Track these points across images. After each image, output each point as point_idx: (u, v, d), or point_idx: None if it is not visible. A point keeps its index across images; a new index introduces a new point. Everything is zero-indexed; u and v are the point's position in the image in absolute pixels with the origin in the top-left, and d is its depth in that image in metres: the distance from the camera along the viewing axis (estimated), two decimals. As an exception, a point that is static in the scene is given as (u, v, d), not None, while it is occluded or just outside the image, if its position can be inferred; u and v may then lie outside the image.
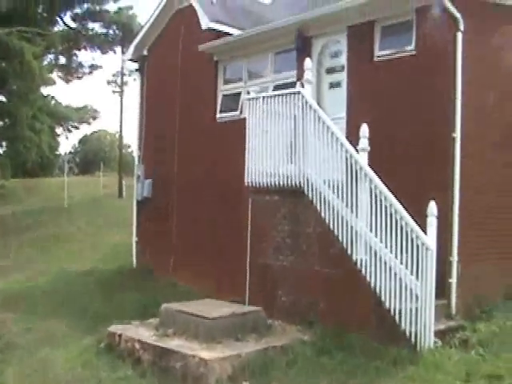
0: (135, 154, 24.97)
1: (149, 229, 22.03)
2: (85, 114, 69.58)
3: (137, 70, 24.45)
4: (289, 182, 13.31)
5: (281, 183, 13.51)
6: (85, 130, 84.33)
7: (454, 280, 13.11)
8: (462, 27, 13.30)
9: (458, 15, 13.26)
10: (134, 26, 43.93)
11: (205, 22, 19.64)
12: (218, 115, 19.48)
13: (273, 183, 13.71)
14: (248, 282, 14.59)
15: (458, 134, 13.21)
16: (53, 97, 64.51)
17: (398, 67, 14.48)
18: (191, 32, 20.35)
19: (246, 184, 14.38)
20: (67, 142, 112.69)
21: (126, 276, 21.34)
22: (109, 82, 56.11)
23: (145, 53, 23.04)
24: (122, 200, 40.12)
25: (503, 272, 14.15)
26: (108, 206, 37.93)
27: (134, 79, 34.07)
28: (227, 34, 19.49)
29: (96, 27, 47.70)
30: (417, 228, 11.30)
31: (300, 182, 13.04)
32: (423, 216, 11.47)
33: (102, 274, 22.12)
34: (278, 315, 13.16)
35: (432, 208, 11.46)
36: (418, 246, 11.29)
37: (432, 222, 11.45)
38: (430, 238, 11.35)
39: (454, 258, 13.13)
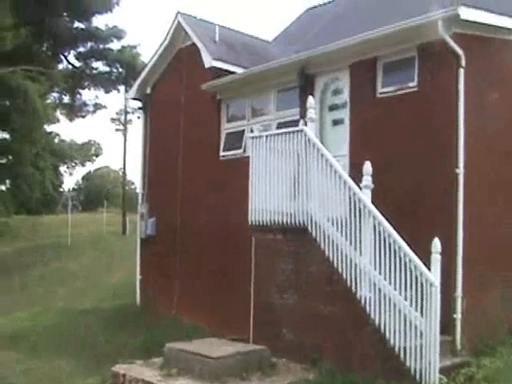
0: (139, 191, 25.01)
1: (153, 267, 22.01)
2: (88, 151, 69.84)
3: (140, 108, 24.57)
4: (292, 220, 13.31)
5: (284, 221, 13.51)
6: (88, 166, 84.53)
7: (458, 316, 13.01)
8: (463, 63, 13.36)
9: (460, 51, 13.32)
10: (137, 64, 44.17)
11: (208, 61, 19.76)
12: (222, 153, 19.53)
13: (276, 221, 13.72)
14: (252, 319, 14.57)
15: (461, 170, 13.21)
16: (57, 134, 64.81)
17: (401, 104, 14.54)
18: (194, 70, 20.49)
19: (250, 222, 14.38)
20: (71, 179, 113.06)
21: (130, 314, 21.30)
22: (112, 120, 56.32)
23: (148, 91, 23.20)
24: (126, 237, 40.13)
25: (507, 307, 14.08)
26: (112, 244, 37.93)
27: (138, 117, 34.13)
28: (230, 72, 19.58)
29: (99, 66, 48.04)
30: (421, 265, 11.27)
31: (303, 220, 13.05)
32: (427, 252, 11.44)
33: (106, 312, 22.08)
34: (283, 353, 13.11)
35: (436, 245, 11.43)
36: (422, 283, 11.24)
37: (436, 259, 11.41)
38: (435, 275, 11.30)
39: (459, 293, 13.05)
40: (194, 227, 19.96)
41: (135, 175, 48.69)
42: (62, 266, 32.81)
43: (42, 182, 61.34)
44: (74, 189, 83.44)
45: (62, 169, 71.20)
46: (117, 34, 46.76)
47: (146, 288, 22.29)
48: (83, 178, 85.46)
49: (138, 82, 23.42)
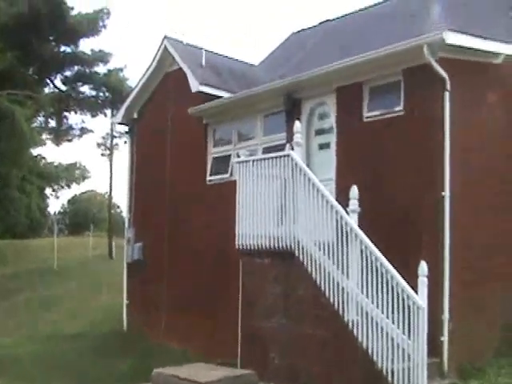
0: (125, 215, 24.99)
1: (140, 291, 21.98)
2: (74, 173, 69.65)
3: (127, 132, 24.60)
4: (279, 244, 13.33)
5: (271, 245, 13.52)
6: (74, 189, 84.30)
7: (445, 338, 13.05)
8: (448, 87, 13.52)
9: (445, 75, 13.46)
10: (123, 88, 44.18)
11: (194, 85, 19.85)
12: (209, 177, 19.58)
13: (263, 245, 13.74)
14: (240, 344, 14.54)
15: (447, 193, 13.31)
16: (43, 157, 64.60)
17: (387, 128, 14.64)
18: (181, 95, 20.56)
19: (237, 246, 14.40)
20: (57, 202, 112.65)
21: (117, 339, 21.22)
22: (98, 146, 56.21)
23: (135, 115, 23.24)
24: (112, 261, 39.94)
25: (494, 328, 14.17)
26: (98, 268, 37.74)
27: (125, 142, 34.11)
28: (217, 96, 19.66)
29: (86, 90, 48.04)
30: (408, 288, 11.32)
31: (290, 244, 13.06)
32: (414, 275, 11.50)
33: (93, 338, 21.99)
34: (271, 377, 13.08)
35: (423, 268, 11.50)
36: (409, 306, 11.30)
37: (423, 282, 11.47)
38: (421, 298, 11.36)
39: (446, 316, 13.11)
40: (180, 252, 19.96)
41: (122, 199, 48.77)
42: (49, 291, 32.61)
43: (29, 206, 61.09)
44: (59, 212, 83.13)
45: (48, 191, 70.89)
46: (103, 57, 46.80)
47: (133, 313, 22.25)
48: (69, 201, 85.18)
49: (125, 106, 23.47)
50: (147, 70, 22.41)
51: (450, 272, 13.19)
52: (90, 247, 46.10)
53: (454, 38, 13.27)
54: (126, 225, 23.56)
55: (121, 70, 47.42)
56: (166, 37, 21.86)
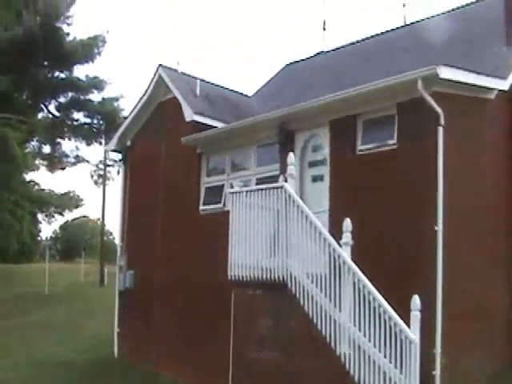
0: (117, 242, 24.95)
1: (131, 319, 21.91)
2: (68, 201, 69.42)
3: (120, 160, 24.60)
4: (272, 276, 13.32)
5: (264, 277, 13.50)
6: (67, 215, 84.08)
7: (437, 372, 13.00)
8: (442, 122, 13.58)
9: (439, 110, 13.54)
10: (117, 116, 44.21)
11: (188, 115, 19.91)
12: (202, 207, 19.59)
13: (256, 276, 13.71)
14: (231, 375, 14.49)
15: (439, 228, 13.35)
16: (36, 183, 64.47)
17: (381, 161, 14.70)
18: (174, 124, 20.61)
19: (229, 277, 14.36)
20: (49, 227, 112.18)
21: (108, 367, 21.13)
22: (92, 175, 56.08)
23: (128, 144, 23.25)
24: (104, 288, 39.79)
25: (485, 362, 14.17)
26: (89, 295, 37.58)
27: (118, 172, 34.09)
28: (210, 126, 19.71)
29: (80, 117, 48.01)
30: (400, 322, 11.35)
31: (283, 276, 13.06)
32: (407, 308, 11.50)
33: (83, 365, 21.86)
34: (262, 409, 13.06)
35: (415, 302, 11.53)
36: (401, 340, 11.34)
37: (416, 316, 11.52)
38: (414, 332, 11.40)
39: (438, 350, 13.06)
40: (173, 281, 19.88)
41: (114, 225, 48.61)
42: (40, 316, 32.42)
43: (20, 231, 60.91)
44: (51, 238, 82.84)
45: (41, 217, 70.64)
46: (98, 84, 46.77)
47: (124, 341, 22.16)
48: (61, 227, 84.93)
49: (118, 133, 23.51)
50: (141, 98, 22.47)
51: (442, 306, 13.18)
52: (82, 273, 45.94)
53: (447, 73, 13.37)
54: (119, 252, 23.51)
55: (116, 99, 47.39)
56: (160, 65, 21.93)
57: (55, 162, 50.35)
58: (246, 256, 14.02)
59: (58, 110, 48.06)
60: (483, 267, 14.69)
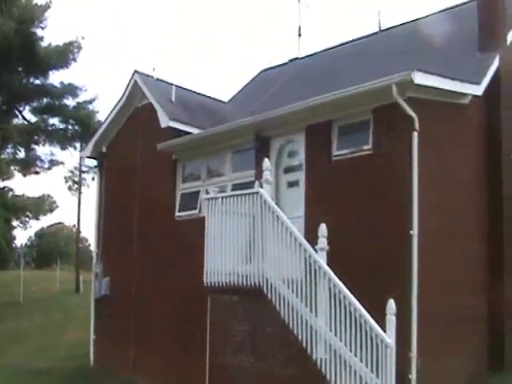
0: (93, 249, 24.83)
1: (107, 327, 21.81)
2: (42, 205, 68.96)
3: (95, 166, 24.51)
4: (248, 282, 13.29)
5: (240, 282, 13.48)
6: (43, 221, 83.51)
7: (413, 376, 13.03)
8: (417, 126, 13.65)
9: (414, 115, 13.62)
10: (93, 121, 43.96)
11: (164, 121, 19.87)
12: (177, 213, 19.57)
13: (232, 282, 13.68)
14: (208, 381, 14.49)
15: (415, 232, 13.41)
16: (10, 189, 64.00)
17: (356, 166, 14.76)
18: (150, 130, 20.57)
19: (205, 283, 14.33)
20: (24, 233, 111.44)
21: (84, 375, 21.06)
22: (66, 180, 55.73)
23: (104, 150, 23.17)
24: (80, 296, 39.56)
25: (461, 366, 14.27)
26: (65, 302, 37.37)
27: (93, 178, 33.94)
28: (186, 132, 19.70)
29: (55, 122, 47.67)
30: (376, 326, 11.38)
31: (259, 282, 13.03)
32: (383, 312, 11.55)
33: (59, 374, 21.72)
34: (239, 414, 13.04)
35: (391, 306, 11.57)
36: (377, 344, 11.37)
37: (391, 320, 11.56)
38: (390, 336, 11.45)
39: (414, 354, 13.11)
40: (149, 287, 19.84)
41: (90, 232, 48.38)
42: (14, 325, 32.15)
43: (-5, 238, 60.43)
44: (26, 245, 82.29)
45: (15, 223, 70.10)
46: (73, 90, 46.43)
47: (100, 349, 22.05)
48: (36, 234, 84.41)
49: (94, 140, 23.42)
50: (117, 104, 22.42)
51: (418, 310, 13.24)
52: (57, 281, 45.67)
53: (422, 79, 13.45)
54: (94, 259, 23.39)
55: (90, 102, 47.12)
56: (136, 72, 21.89)
57: (29, 165, 49.94)
58: (221, 262, 13.99)
59: (33, 115, 47.80)
60: (459, 271, 14.80)
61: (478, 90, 15.61)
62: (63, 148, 47.88)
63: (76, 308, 32.72)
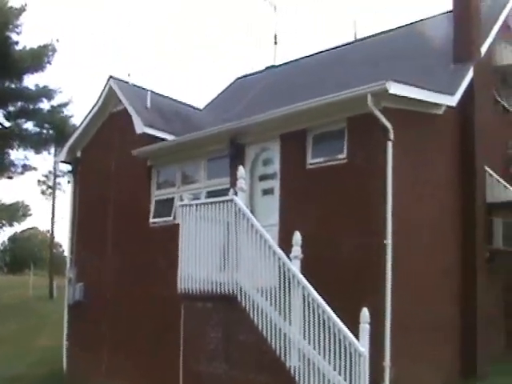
0: (67, 254, 24.69)
1: (81, 332, 21.68)
2: (16, 212, 68.47)
3: (70, 171, 24.38)
4: (222, 289, 13.28)
5: (214, 290, 13.47)
6: (16, 226, 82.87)
7: (387, 384, 13.11)
8: (391, 136, 13.74)
9: (388, 125, 13.71)
10: (67, 126, 43.74)
11: (139, 127, 19.83)
12: (152, 220, 19.51)
13: (206, 290, 13.67)
14: (181, 387, 14.44)
15: (389, 241, 13.50)
16: (-18, 195, 63.62)
17: (330, 175, 14.80)
18: (125, 136, 20.52)
19: (179, 290, 14.30)
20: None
21: (57, 381, 20.97)
22: (39, 184, 55.39)
23: (78, 154, 23.05)
24: (53, 302, 39.28)
25: (435, 374, 14.39)
26: (38, 308, 37.09)
27: (68, 181, 33.65)
28: (161, 138, 19.68)
29: (30, 126, 47.30)
30: (349, 335, 11.40)
31: (233, 289, 13.03)
32: (357, 321, 11.58)
33: (32, 380, 21.64)
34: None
35: (365, 315, 11.60)
36: (351, 353, 11.37)
37: (365, 329, 11.57)
38: (363, 345, 11.45)
39: (387, 362, 13.19)
40: (123, 293, 19.75)
41: (64, 237, 48.07)
42: (-13, 331, 31.94)
43: (-33, 243, 60.08)
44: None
45: (-12, 228, 69.52)
46: (47, 94, 46.11)
47: (74, 355, 21.92)
48: (9, 238, 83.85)
49: (68, 144, 23.28)
50: (92, 109, 22.33)
51: (391, 319, 13.31)
52: (31, 287, 45.33)
53: (397, 89, 13.54)
54: (68, 264, 23.26)
55: (65, 106, 46.82)
56: (111, 77, 21.83)
57: (2, 170, 49.48)
58: (196, 269, 13.97)
59: (7, 120, 47.40)
60: (432, 279, 14.91)
61: (453, 100, 15.76)
62: (37, 152, 47.53)
63: (49, 314, 32.50)
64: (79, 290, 21.92)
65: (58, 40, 45.18)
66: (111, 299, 20.33)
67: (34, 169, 50.37)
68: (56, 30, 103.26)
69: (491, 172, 17.68)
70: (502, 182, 17.70)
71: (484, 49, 18.37)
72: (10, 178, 50.83)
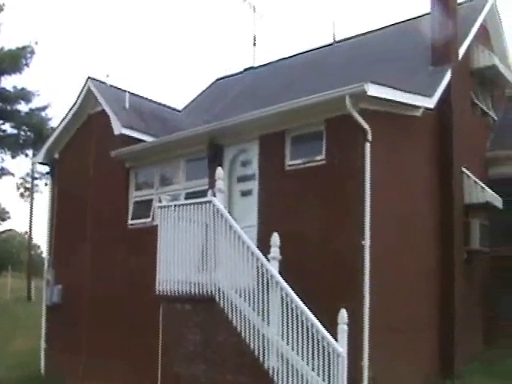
0: (45, 256, 24.57)
1: (59, 335, 21.58)
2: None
3: (48, 173, 24.27)
4: (200, 290, 13.30)
5: (192, 291, 13.48)
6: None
7: (365, 384, 13.17)
8: (369, 138, 13.79)
9: (366, 126, 13.76)
10: (45, 128, 43.56)
11: (117, 128, 19.77)
12: (130, 221, 19.47)
13: (184, 291, 13.67)
14: (160, 390, 14.41)
15: (367, 242, 13.54)
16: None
17: (309, 176, 14.82)
18: (103, 137, 20.44)
19: (157, 291, 14.29)
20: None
21: (34, 384, 20.79)
22: (18, 187, 55.13)
23: (56, 156, 22.94)
24: (31, 304, 39.12)
25: (413, 374, 14.47)
26: (16, 311, 36.85)
27: (46, 184, 33.54)
28: (140, 140, 19.63)
29: (7, 128, 47.02)
30: (327, 335, 11.45)
31: (211, 290, 13.05)
32: (335, 321, 11.63)
33: (9, 383, 21.42)
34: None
35: (343, 315, 11.66)
36: (329, 353, 11.44)
37: (343, 329, 11.65)
38: (341, 345, 11.54)
39: (365, 362, 13.22)
40: (101, 295, 19.66)
41: (42, 239, 47.84)
42: (-36, 333, 31.70)
43: None
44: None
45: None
46: (25, 95, 45.90)
47: (52, 357, 21.81)
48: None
49: (46, 146, 23.14)
50: (70, 110, 22.21)
51: (369, 319, 13.36)
52: (9, 289, 45.09)
53: (375, 90, 13.58)
54: (46, 266, 23.14)
55: (43, 108, 46.61)
56: (89, 78, 21.74)
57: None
58: (174, 270, 13.97)
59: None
60: (411, 280, 15.01)
61: (431, 102, 15.85)
62: (14, 156, 47.25)
63: (27, 316, 32.30)
64: (57, 292, 21.81)
65: (36, 42, 45.00)
66: (89, 301, 20.24)
67: (12, 174, 50.17)
68: (35, 31, 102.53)
69: (469, 173, 17.81)
70: (480, 183, 17.85)
71: (462, 52, 18.53)
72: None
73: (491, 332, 18.18)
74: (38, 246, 68.24)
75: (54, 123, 43.18)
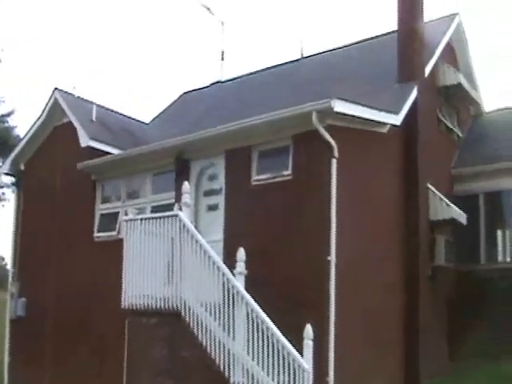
0: (10, 268, 24.32)
1: (23, 348, 21.34)
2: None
3: (13, 184, 24.04)
4: (166, 305, 13.23)
5: (158, 305, 13.41)
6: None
7: (330, 400, 13.17)
8: (336, 154, 13.87)
9: (333, 142, 13.84)
10: (10, 137, 43.22)
11: (84, 140, 19.69)
12: (96, 234, 19.34)
13: (150, 305, 13.59)
14: (125, 406, 14.33)
15: (332, 258, 13.60)
16: None
17: (275, 191, 14.88)
18: (70, 149, 20.31)
19: (123, 305, 14.21)
20: None
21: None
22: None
23: (22, 167, 22.74)
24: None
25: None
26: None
27: (13, 191, 33.14)
28: (106, 152, 19.54)
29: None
30: (293, 351, 11.44)
31: (177, 305, 12.99)
32: (301, 337, 11.62)
33: (-29, 398, 21.18)
34: None
35: (308, 331, 11.65)
36: (294, 369, 11.42)
37: (308, 345, 11.63)
38: (307, 361, 11.52)
39: (331, 378, 13.25)
40: (66, 308, 19.49)
41: (7, 251, 47.44)
42: None
43: None
44: None
45: None
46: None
47: (16, 371, 21.53)
48: None
49: (12, 157, 22.88)
50: (36, 121, 22.03)
51: (335, 335, 13.39)
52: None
53: (341, 107, 13.69)
54: (10, 279, 22.91)
55: (8, 115, 46.21)
56: (56, 89, 21.59)
57: None
58: (140, 284, 13.90)
59: None
60: (377, 295, 15.07)
61: (397, 119, 15.99)
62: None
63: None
64: (21, 304, 21.58)
65: (2, 49, 44.71)
66: (54, 314, 20.06)
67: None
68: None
69: (434, 190, 17.95)
70: (445, 200, 17.98)
71: (428, 69, 18.70)
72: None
73: (457, 347, 18.27)
74: (3, 258, 67.49)
75: (19, 132, 42.88)
